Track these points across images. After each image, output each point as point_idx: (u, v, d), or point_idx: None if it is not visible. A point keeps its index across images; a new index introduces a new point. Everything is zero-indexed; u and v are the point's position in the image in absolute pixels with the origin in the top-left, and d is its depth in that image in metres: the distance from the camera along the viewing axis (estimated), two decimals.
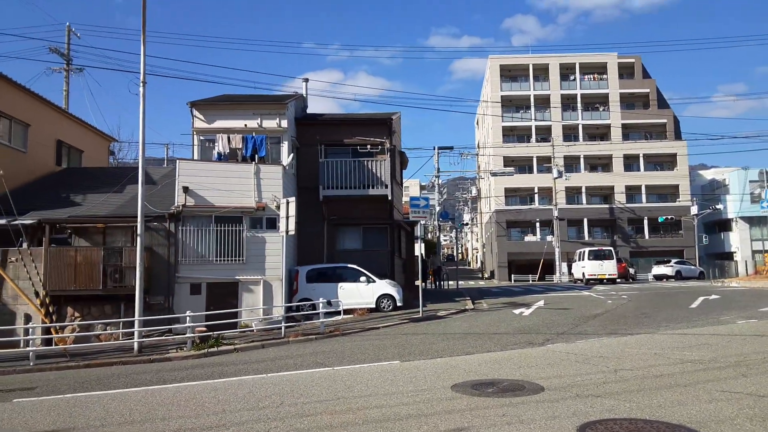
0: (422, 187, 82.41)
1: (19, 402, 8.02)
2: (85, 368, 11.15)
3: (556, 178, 44.63)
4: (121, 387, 8.79)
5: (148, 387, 8.61)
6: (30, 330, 12.66)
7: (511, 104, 56.94)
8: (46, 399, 8.13)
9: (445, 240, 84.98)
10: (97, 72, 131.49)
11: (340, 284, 17.24)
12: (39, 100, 20.94)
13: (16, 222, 15.14)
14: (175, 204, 16.31)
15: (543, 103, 56.26)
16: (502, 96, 55.79)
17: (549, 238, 47.92)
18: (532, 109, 56.25)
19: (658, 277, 38.54)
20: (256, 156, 17.94)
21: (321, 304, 14.11)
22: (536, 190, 53.04)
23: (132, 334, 12.99)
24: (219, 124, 18.94)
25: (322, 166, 20.05)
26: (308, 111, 23.60)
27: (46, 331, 14.17)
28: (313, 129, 21.00)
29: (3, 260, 15.50)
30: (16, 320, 15.14)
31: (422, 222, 17.55)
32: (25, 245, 15.42)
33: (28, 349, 11.91)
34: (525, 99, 56.66)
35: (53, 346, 13.25)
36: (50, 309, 15.10)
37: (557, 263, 44.01)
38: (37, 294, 14.90)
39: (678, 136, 55.56)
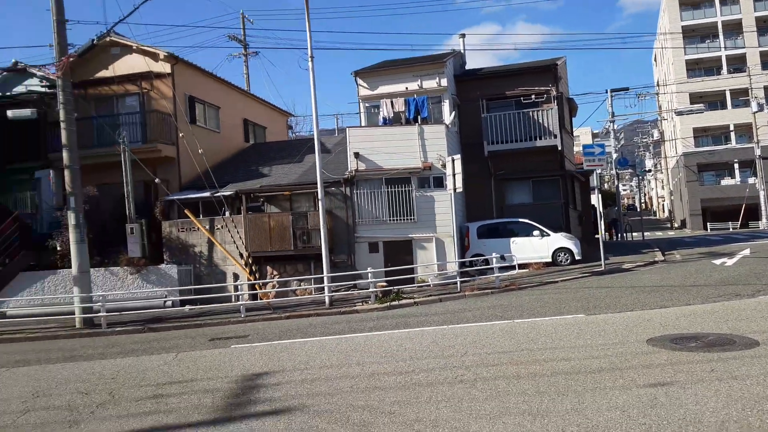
0: (594, 135, 76.78)
1: (235, 347, 9.27)
2: (286, 319, 12.51)
3: (756, 112, 38.45)
4: (318, 335, 9.70)
5: (341, 336, 9.38)
6: (239, 287, 14.52)
7: (694, 34, 49.90)
8: (258, 345, 9.27)
9: (624, 189, 78.80)
10: (269, 52, 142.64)
11: (512, 239, 16.94)
12: (225, 84, 23.32)
13: (219, 194, 17.26)
14: (349, 169, 17.25)
15: (733, 29, 48.34)
16: (682, 26, 49.03)
17: (751, 180, 41.88)
18: (721, 37, 48.65)
19: None
20: (419, 117, 18.14)
21: (495, 259, 14.03)
22: (732, 128, 46.39)
23: (322, 289, 14.23)
24: (381, 89, 19.43)
25: (485, 121, 19.62)
26: (467, 67, 23.14)
27: (251, 287, 16.11)
28: (472, 84, 20.57)
29: (211, 227, 17.84)
30: (226, 279, 17.45)
31: (598, 171, 16.38)
32: (227, 214, 17.55)
33: (238, 303, 13.72)
34: (711, 27, 49.22)
35: (258, 301, 15.06)
36: (253, 268, 17.09)
37: (763, 208, 38.39)
38: (241, 255, 16.95)
39: None
